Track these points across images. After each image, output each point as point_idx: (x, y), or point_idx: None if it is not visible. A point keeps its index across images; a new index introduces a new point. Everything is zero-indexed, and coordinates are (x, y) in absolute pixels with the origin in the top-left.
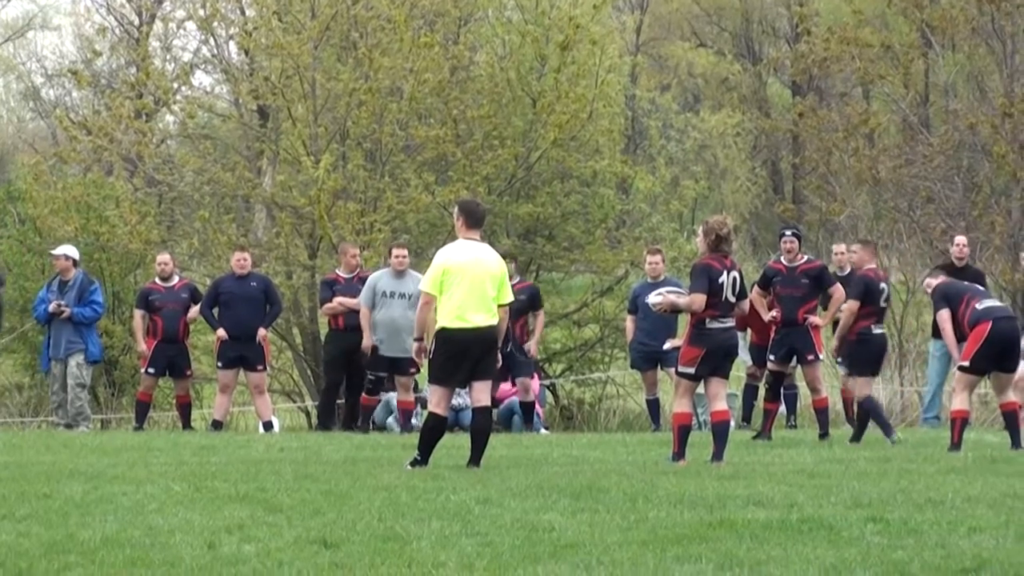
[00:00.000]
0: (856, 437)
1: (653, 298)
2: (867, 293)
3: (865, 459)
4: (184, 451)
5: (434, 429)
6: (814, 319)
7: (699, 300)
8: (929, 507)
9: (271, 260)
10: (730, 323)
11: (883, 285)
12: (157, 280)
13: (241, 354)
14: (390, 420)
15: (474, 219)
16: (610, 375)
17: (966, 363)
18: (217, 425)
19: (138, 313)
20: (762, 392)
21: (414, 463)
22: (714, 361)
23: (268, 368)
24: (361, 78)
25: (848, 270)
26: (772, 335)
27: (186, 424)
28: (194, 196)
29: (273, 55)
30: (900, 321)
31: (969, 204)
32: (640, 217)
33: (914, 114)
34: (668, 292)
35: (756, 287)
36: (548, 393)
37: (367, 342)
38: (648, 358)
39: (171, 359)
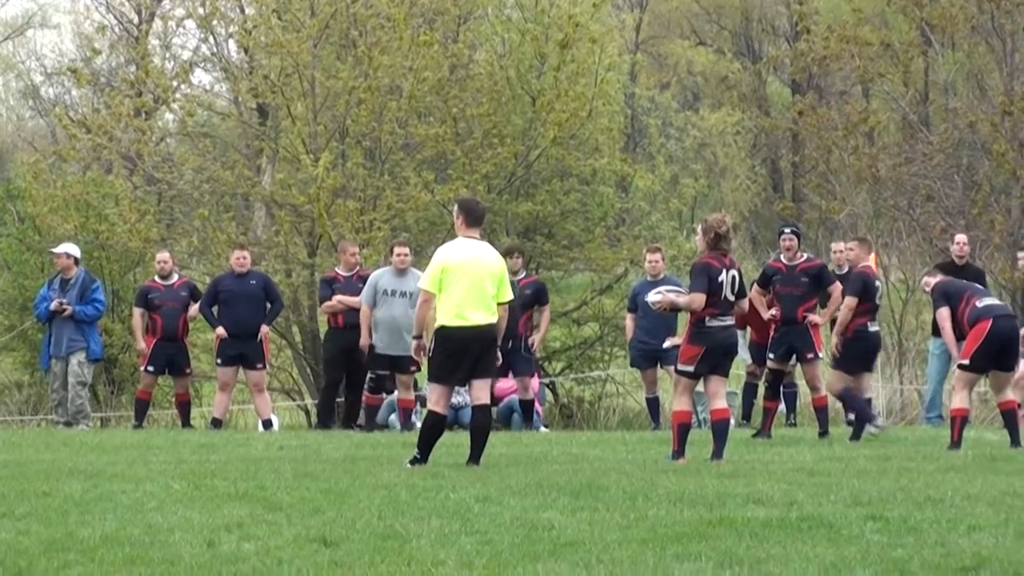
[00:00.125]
0: (855, 435)
1: (652, 297)
2: (865, 290)
3: (865, 457)
4: (183, 449)
5: (434, 427)
6: (813, 317)
7: (699, 299)
8: (929, 505)
9: (270, 258)
10: (729, 321)
11: (877, 282)
12: (156, 278)
13: (241, 352)
14: (392, 417)
15: (474, 217)
16: (610, 373)
17: (966, 361)
18: (216, 423)
19: (137, 311)
20: (762, 390)
21: (414, 461)
22: (713, 359)
23: (267, 366)
24: (360, 76)
25: (846, 268)
26: (771, 333)
27: (185, 422)
28: (193, 194)
29: (272, 53)
30: (900, 319)
31: (969, 202)
32: (639, 215)
33: (914, 112)
34: (667, 291)
35: (756, 285)
36: (548, 391)
37: (364, 340)
38: (648, 356)
39: (170, 357)
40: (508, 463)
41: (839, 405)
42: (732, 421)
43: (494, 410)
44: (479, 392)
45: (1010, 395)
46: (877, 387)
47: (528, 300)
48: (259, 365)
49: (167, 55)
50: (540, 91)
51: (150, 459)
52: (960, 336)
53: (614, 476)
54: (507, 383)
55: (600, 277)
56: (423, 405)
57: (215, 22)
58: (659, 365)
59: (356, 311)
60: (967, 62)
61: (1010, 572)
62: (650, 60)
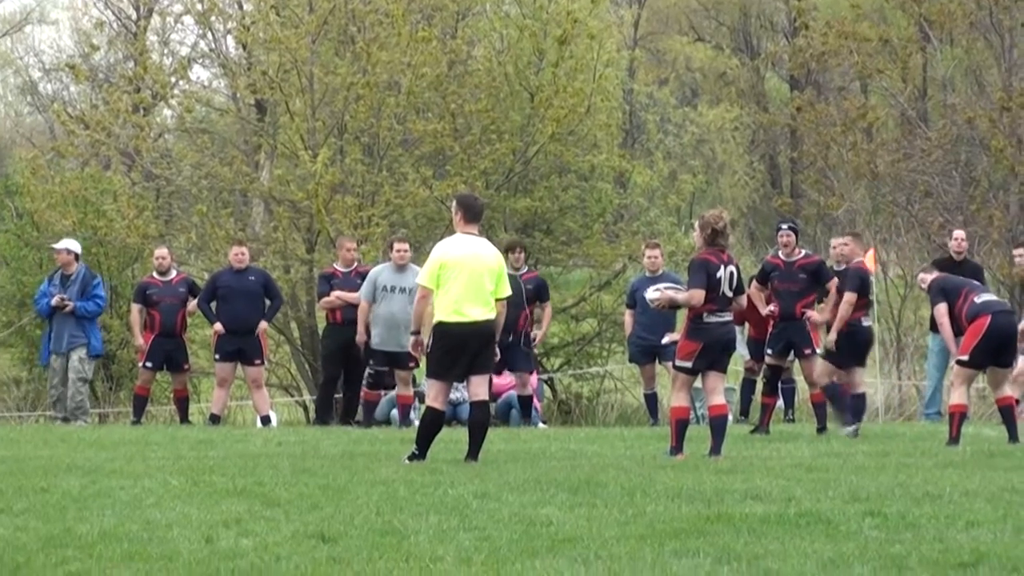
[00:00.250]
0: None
1: (651, 295)
2: (863, 285)
3: (863, 453)
4: (182, 445)
5: (432, 423)
6: (812, 313)
7: (698, 295)
8: (927, 501)
9: (269, 254)
10: (728, 317)
11: (871, 277)
12: (155, 274)
13: (239, 348)
14: (393, 413)
15: (472, 213)
16: (608, 369)
17: (965, 357)
18: (215, 419)
19: (135, 307)
20: (760, 386)
21: (412, 457)
22: (712, 355)
23: (266, 362)
24: (359, 72)
25: (844, 266)
26: (770, 329)
27: (184, 418)
28: (192, 190)
29: (271, 49)
30: (898, 315)
31: (967, 198)
32: (638, 211)
33: (912, 108)
34: (666, 288)
35: (754, 281)
36: (546, 387)
37: (361, 337)
38: (646, 352)
39: (169, 353)
40: (506, 459)
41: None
42: (730, 417)
43: (492, 406)
44: (477, 388)
45: (1008, 391)
46: (875, 383)
47: (529, 296)
48: (257, 361)
49: (165, 51)
50: (538, 87)
51: (148, 455)
52: (958, 332)
53: (612, 472)
54: (506, 379)
55: (598, 273)
56: (421, 401)
57: (213, 18)
58: (658, 361)
59: (354, 307)
60: (965, 58)
61: (1008, 567)
62: (648, 56)
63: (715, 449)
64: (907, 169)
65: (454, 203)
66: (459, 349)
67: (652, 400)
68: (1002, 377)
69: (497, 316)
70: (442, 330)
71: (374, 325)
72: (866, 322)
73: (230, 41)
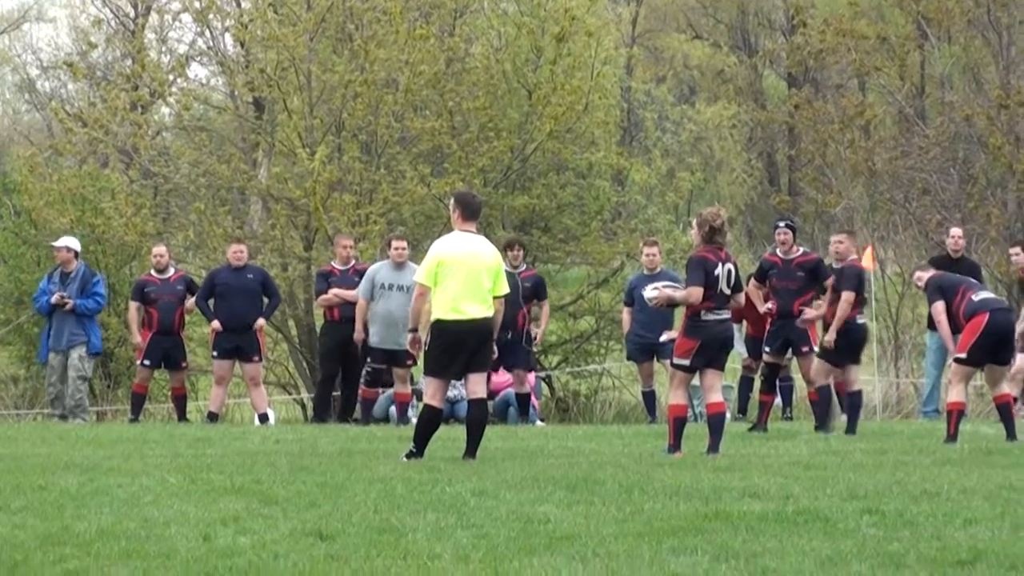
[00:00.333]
0: (850, 429)
1: (649, 293)
2: (860, 283)
3: (861, 451)
4: (180, 443)
5: (430, 421)
6: (809, 311)
7: (696, 293)
8: (925, 499)
9: (267, 252)
10: (725, 315)
11: (866, 275)
12: (153, 272)
13: (237, 345)
14: (392, 409)
15: (470, 211)
16: (606, 367)
17: (963, 355)
18: (213, 417)
19: (133, 305)
20: (758, 384)
21: (410, 455)
22: (709, 353)
23: (264, 359)
24: (357, 70)
25: (840, 264)
26: (767, 327)
27: (181, 416)
28: (190, 188)
29: (269, 47)
30: (896, 313)
31: (965, 196)
32: (636, 209)
33: (910, 106)
34: (664, 287)
35: (752, 279)
36: (544, 385)
37: (359, 335)
38: (644, 350)
39: (167, 351)
40: (504, 457)
41: (835, 399)
42: (728, 415)
43: (490, 404)
44: (475, 386)
45: (1006, 389)
46: (873, 381)
47: (527, 293)
48: (255, 358)
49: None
50: (536, 85)
51: (146, 453)
52: (955, 330)
53: (610, 470)
54: (503, 377)
55: (596, 271)
56: (419, 399)
57: (211, 16)
58: (655, 359)
59: (352, 305)
60: (963, 56)
61: (1006, 565)
62: (646, 54)
63: (713, 447)
64: (905, 167)
65: (452, 201)
66: (457, 347)
67: (650, 398)
68: (1000, 375)
69: (495, 314)
70: (440, 328)
71: (372, 323)
72: (860, 320)
73: (228, 39)
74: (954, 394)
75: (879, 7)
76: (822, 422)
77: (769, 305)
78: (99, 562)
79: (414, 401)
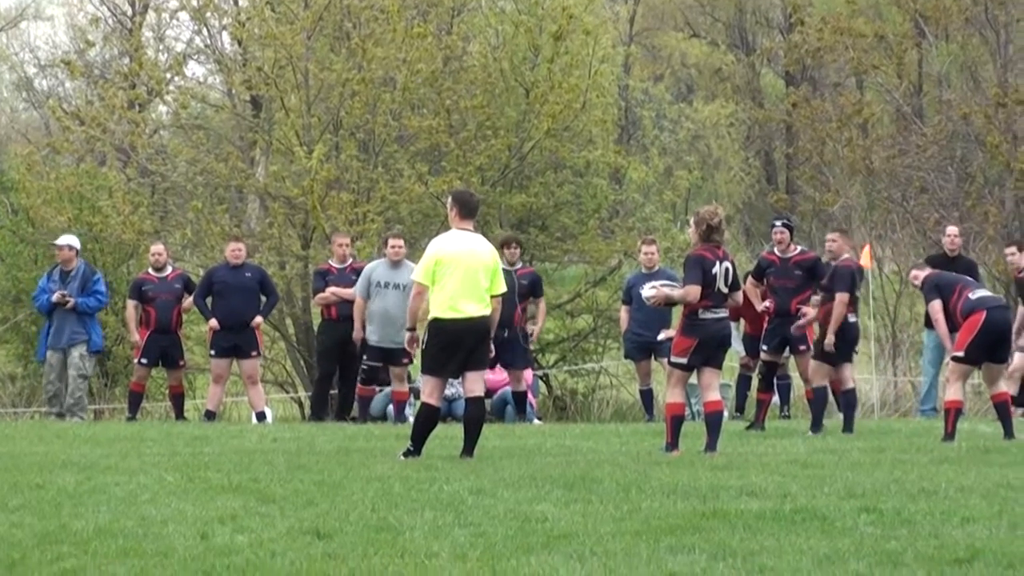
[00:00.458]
0: (847, 427)
1: (647, 292)
2: (854, 283)
3: (858, 449)
4: (177, 441)
5: (427, 419)
6: (807, 310)
7: (694, 291)
8: (922, 497)
9: (264, 250)
10: (723, 313)
11: (858, 273)
12: (150, 270)
13: (234, 343)
14: (390, 408)
15: (467, 209)
16: (603, 365)
17: (960, 353)
18: (210, 415)
19: (131, 303)
20: (755, 382)
21: (407, 453)
22: (707, 351)
23: (261, 356)
24: (354, 68)
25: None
26: (765, 326)
27: (179, 414)
28: (187, 186)
29: (266, 45)
30: (893, 311)
31: (962, 194)
32: (633, 207)
33: (908, 104)
34: (661, 285)
35: (750, 277)
36: (541, 383)
37: (357, 334)
38: (642, 348)
39: (164, 349)
40: (502, 455)
41: (832, 398)
42: (726, 413)
43: (488, 402)
44: (473, 384)
45: (1003, 387)
46: (871, 379)
47: (524, 291)
48: (253, 353)
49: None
50: (534, 83)
51: (144, 451)
52: (953, 328)
53: (608, 468)
54: (501, 375)
55: (594, 269)
56: (417, 397)
57: (209, 14)
58: (653, 357)
59: (350, 303)
60: (961, 54)
61: (1004, 564)
62: (644, 52)
63: (711, 445)
64: (902, 165)
65: (449, 199)
66: (454, 345)
67: (648, 396)
68: (997, 373)
69: (492, 312)
70: (437, 326)
71: (369, 321)
72: (852, 318)
73: (225, 37)
74: (952, 392)
75: (877, 5)
76: (817, 423)
77: (767, 303)
78: (96, 560)
79: (412, 399)
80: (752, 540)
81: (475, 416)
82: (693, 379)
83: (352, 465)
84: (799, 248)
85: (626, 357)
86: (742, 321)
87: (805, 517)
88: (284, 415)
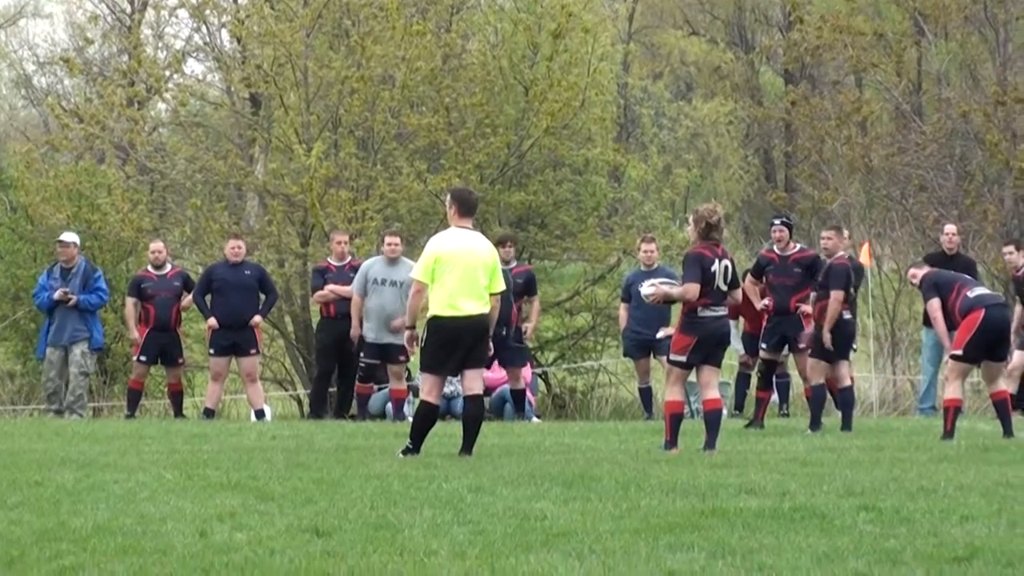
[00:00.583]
0: (845, 425)
1: (646, 290)
2: (848, 281)
3: (857, 448)
4: (176, 439)
5: (426, 417)
6: (806, 308)
7: (693, 289)
8: (921, 495)
9: (263, 248)
10: (722, 311)
11: (851, 271)
12: (150, 268)
13: (233, 341)
14: (389, 405)
15: (466, 207)
16: (602, 363)
17: (959, 351)
18: (209, 413)
19: (130, 301)
20: (754, 380)
21: (406, 451)
22: (706, 349)
23: (260, 354)
24: (353, 66)
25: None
26: (764, 324)
27: (178, 412)
28: (186, 184)
29: (265, 43)
30: (892, 309)
31: (962, 192)
32: (632, 205)
33: (907, 102)
34: (660, 283)
35: (749, 275)
36: (540, 381)
37: (355, 331)
38: (641, 346)
39: (163, 347)
40: (501, 453)
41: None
42: (725, 411)
43: (486, 400)
44: (471, 382)
45: (1002, 385)
46: (870, 377)
47: (519, 289)
48: (252, 351)
49: (160, 45)
50: (533, 81)
51: (142, 449)
52: (951, 327)
53: (607, 466)
54: (499, 373)
55: (593, 267)
56: (415, 395)
57: (208, 11)
58: (652, 355)
59: (348, 301)
60: (960, 52)
61: (1003, 562)
62: (643, 50)
63: (709, 443)
64: (901, 163)
65: (448, 197)
66: (453, 343)
67: (646, 394)
68: (996, 371)
69: (491, 310)
70: (436, 324)
71: (366, 318)
72: (847, 315)
73: (224, 35)
74: (950, 391)
75: (876, 3)
76: (816, 421)
77: (766, 301)
78: (95, 558)
79: (410, 397)
80: (751, 538)
81: (474, 414)
82: (692, 377)
83: (351, 463)
84: (798, 246)
85: (625, 355)
86: (741, 319)
87: (804, 515)
88: (283, 413)
